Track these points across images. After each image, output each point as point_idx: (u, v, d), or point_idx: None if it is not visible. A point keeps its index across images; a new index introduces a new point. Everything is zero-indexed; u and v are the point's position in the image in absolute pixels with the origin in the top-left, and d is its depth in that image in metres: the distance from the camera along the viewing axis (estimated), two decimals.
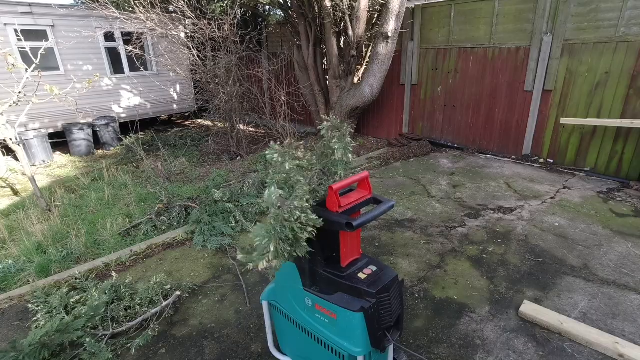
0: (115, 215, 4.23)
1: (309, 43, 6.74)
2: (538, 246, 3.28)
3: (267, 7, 8.38)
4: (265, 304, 2.00)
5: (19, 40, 6.64)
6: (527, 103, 5.32)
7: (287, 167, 1.49)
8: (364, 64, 6.94)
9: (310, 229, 1.37)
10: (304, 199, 1.37)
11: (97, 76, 5.55)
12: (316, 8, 6.44)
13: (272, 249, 1.36)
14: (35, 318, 2.52)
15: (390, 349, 1.71)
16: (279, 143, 1.65)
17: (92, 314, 2.37)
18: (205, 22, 5.90)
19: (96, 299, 2.51)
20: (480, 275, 2.92)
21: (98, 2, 6.20)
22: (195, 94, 7.71)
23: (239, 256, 1.54)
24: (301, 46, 6.91)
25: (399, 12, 5.46)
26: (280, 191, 1.41)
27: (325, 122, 1.75)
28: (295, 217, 1.33)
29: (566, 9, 4.71)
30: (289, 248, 1.37)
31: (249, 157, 6.49)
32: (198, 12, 6.10)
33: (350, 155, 1.72)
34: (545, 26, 4.93)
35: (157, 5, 5.84)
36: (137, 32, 6.45)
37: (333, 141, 1.69)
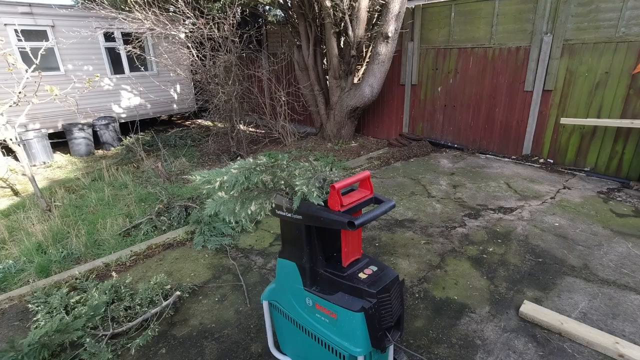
0: (115, 215, 4.23)
1: (309, 43, 6.74)
2: (538, 246, 3.28)
3: (267, 7, 8.38)
4: (265, 304, 2.00)
5: (19, 40, 6.65)
6: (527, 103, 5.32)
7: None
8: (364, 64, 6.93)
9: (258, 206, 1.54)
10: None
11: (98, 76, 5.56)
12: (316, 8, 6.44)
13: (234, 171, 1.53)
14: (35, 318, 2.52)
15: (391, 349, 1.71)
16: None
17: (92, 314, 2.37)
18: (204, 21, 5.90)
19: (96, 299, 2.51)
20: (481, 275, 2.92)
21: (94, 1, 6.20)
22: (195, 94, 7.71)
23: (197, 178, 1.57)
24: (301, 46, 6.91)
25: (399, 12, 5.47)
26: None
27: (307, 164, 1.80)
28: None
29: (566, 9, 4.71)
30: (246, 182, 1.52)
31: (249, 157, 6.48)
32: (197, 12, 6.10)
33: (315, 194, 1.48)
34: (545, 26, 4.93)
35: (154, 4, 5.84)
36: (136, 32, 6.44)
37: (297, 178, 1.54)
